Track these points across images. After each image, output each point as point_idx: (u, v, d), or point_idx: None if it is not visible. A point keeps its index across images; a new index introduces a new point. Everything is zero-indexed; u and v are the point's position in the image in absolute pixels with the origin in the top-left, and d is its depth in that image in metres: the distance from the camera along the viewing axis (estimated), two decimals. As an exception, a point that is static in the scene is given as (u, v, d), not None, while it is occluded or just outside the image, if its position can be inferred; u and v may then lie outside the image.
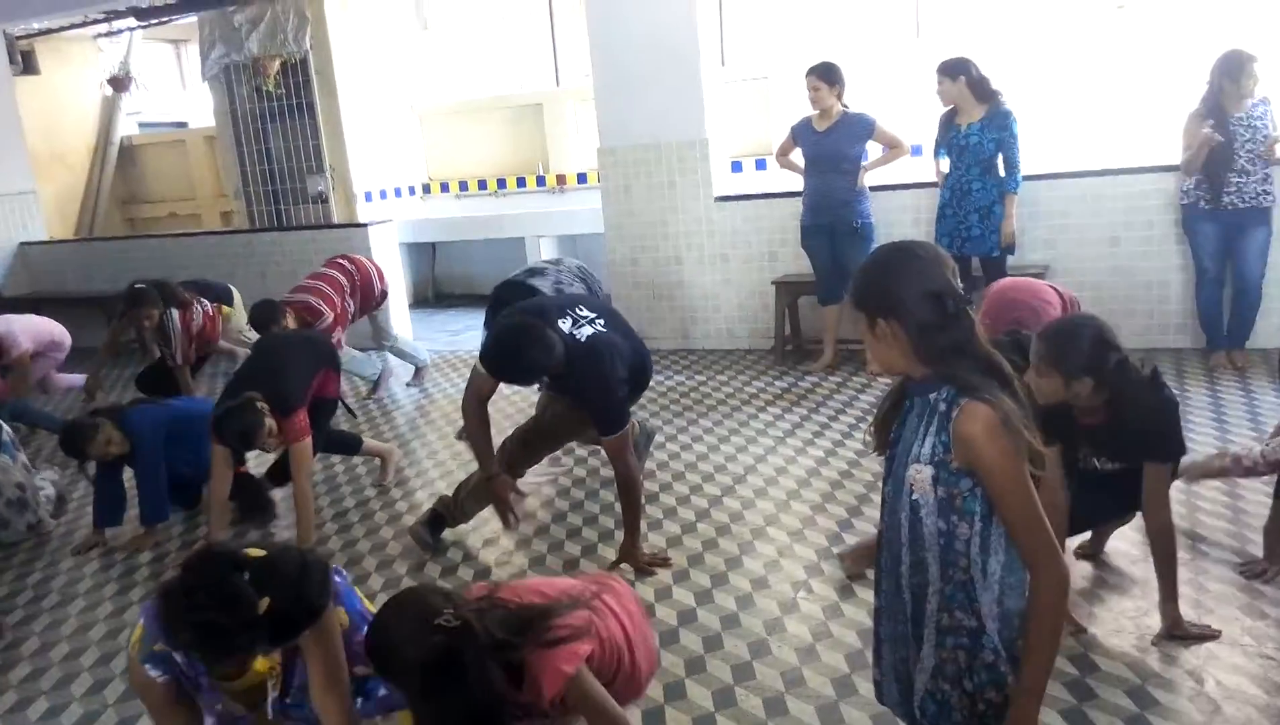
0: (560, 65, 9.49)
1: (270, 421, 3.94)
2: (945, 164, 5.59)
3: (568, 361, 3.39)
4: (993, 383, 1.67)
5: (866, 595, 3.19)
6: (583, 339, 3.45)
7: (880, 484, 1.89)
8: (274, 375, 4.16)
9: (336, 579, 2.37)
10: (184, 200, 11.11)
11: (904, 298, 1.69)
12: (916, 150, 6.06)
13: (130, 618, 3.61)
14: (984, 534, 1.70)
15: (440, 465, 4.95)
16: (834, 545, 3.62)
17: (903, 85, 7.27)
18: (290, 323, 5.42)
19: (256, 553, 2.13)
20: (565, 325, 3.44)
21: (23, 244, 9.22)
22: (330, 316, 5.68)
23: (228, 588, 2.01)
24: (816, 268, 6.01)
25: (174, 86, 13.00)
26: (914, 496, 1.74)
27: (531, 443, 3.93)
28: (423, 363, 6.61)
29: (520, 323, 3.40)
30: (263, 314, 5.41)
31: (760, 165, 8.10)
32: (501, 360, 3.40)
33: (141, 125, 11.81)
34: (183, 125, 12.23)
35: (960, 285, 1.71)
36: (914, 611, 1.79)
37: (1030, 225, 5.72)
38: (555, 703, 2.05)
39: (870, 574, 3.20)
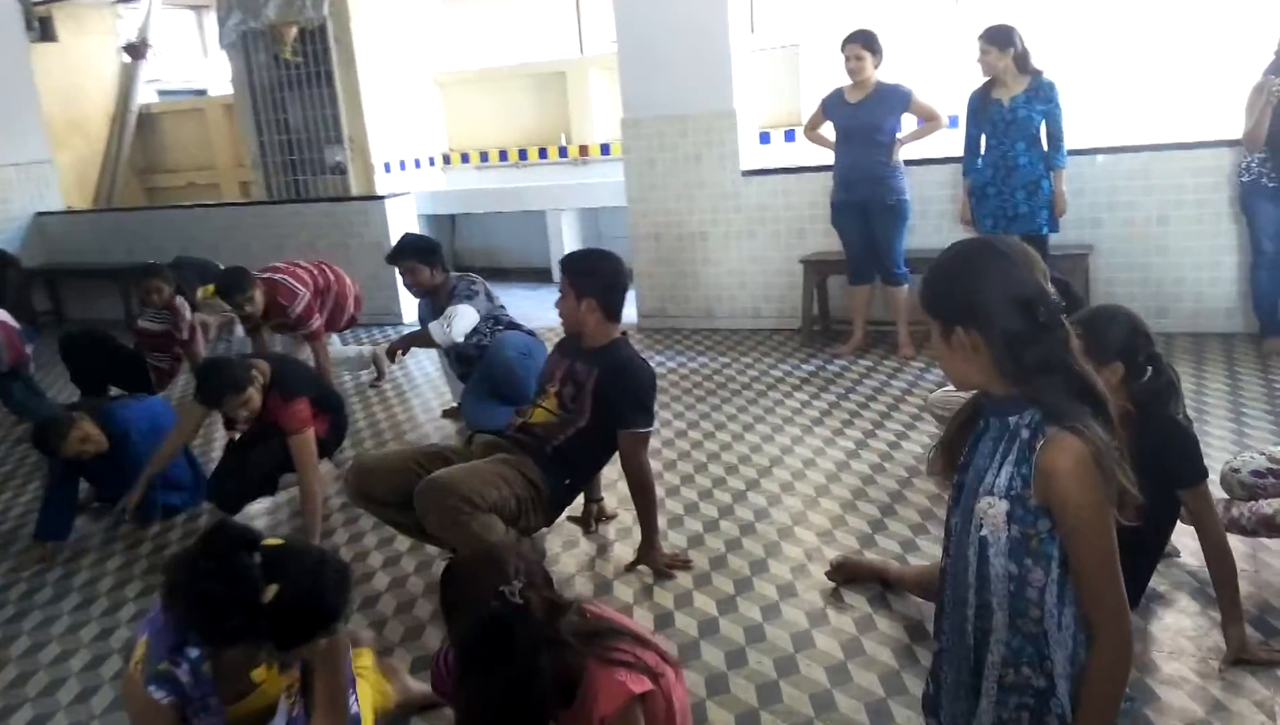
0: (584, 32, 9.22)
1: (255, 392, 3.70)
2: (968, 184, 5.33)
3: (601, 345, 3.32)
4: (1084, 408, 1.44)
5: (901, 608, 2.98)
6: None
7: (938, 509, 1.68)
8: (282, 361, 4.05)
9: None
10: (203, 170, 10.95)
11: (988, 304, 1.46)
12: (954, 122, 5.76)
13: (125, 614, 3.47)
14: (1061, 582, 1.49)
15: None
16: (865, 548, 3.40)
17: (939, 54, 6.95)
18: (258, 297, 5.20)
19: (275, 541, 2.06)
20: None
21: (39, 214, 9.09)
22: (306, 297, 5.37)
23: (232, 560, 1.98)
24: (847, 246, 5.75)
25: (195, 54, 12.82)
26: (982, 532, 1.52)
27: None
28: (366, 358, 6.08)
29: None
30: (231, 280, 5.17)
31: (789, 136, 7.79)
32: (608, 263, 3.34)
33: (161, 93, 11.64)
34: (202, 93, 12.06)
35: (1053, 289, 1.48)
36: (976, 661, 1.58)
37: (1074, 202, 5.41)
38: None
39: (881, 586, 3.02)
